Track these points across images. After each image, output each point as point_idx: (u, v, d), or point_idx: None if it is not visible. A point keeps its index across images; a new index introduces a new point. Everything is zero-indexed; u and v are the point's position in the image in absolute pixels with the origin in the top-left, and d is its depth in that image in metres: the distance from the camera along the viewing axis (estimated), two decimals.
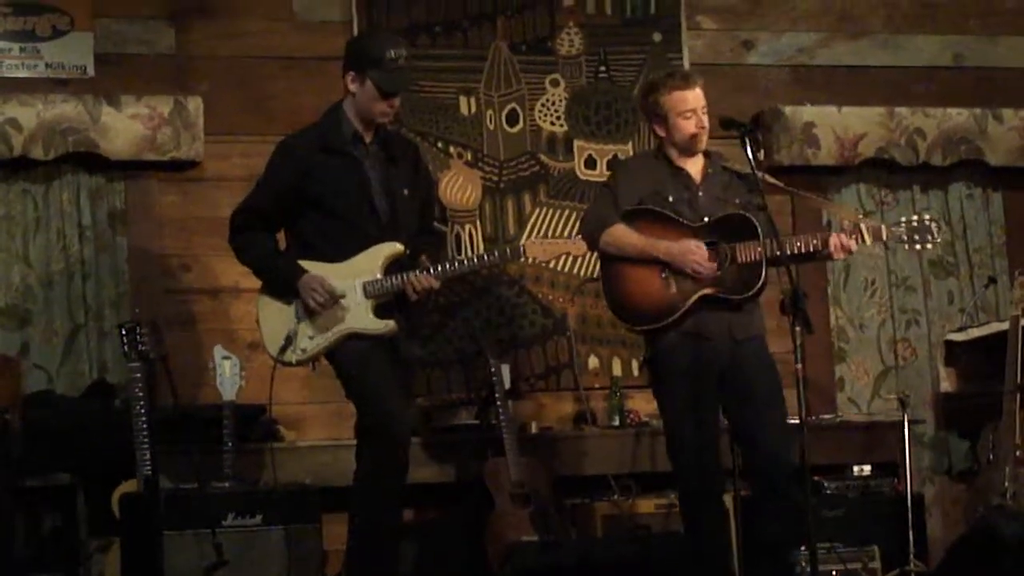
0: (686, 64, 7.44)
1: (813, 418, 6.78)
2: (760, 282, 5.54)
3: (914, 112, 7.61)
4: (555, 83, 7.40)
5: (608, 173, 6.72)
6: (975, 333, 7.30)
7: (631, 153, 7.35)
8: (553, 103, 7.39)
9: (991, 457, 6.66)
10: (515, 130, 7.33)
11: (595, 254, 5.87)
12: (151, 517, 5.66)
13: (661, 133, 5.71)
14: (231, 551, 5.67)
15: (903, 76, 7.77)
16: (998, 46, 7.89)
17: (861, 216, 5.74)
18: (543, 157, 7.34)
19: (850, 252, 5.63)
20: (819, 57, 7.71)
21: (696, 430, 5.53)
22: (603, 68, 7.45)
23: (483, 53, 7.33)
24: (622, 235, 5.61)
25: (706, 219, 5.60)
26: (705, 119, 5.65)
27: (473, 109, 7.29)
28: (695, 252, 5.53)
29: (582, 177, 7.36)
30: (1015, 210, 7.87)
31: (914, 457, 7.01)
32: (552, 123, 7.37)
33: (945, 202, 7.80)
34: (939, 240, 5.70)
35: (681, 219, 5.60)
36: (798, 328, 5.19)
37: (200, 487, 5.87)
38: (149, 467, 5.93)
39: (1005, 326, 6.82)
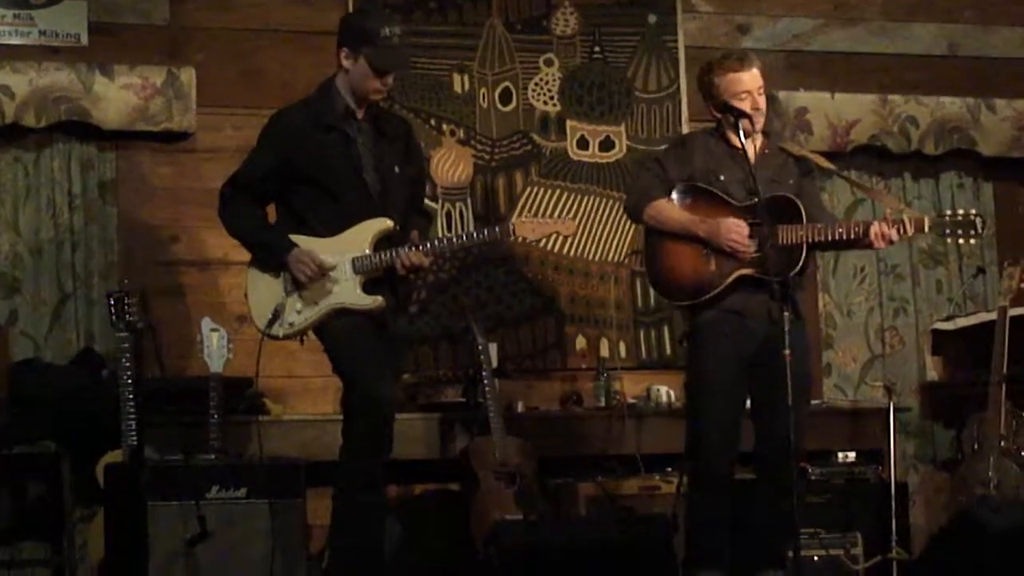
0: (680, 47, 7.44)
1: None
2: (800, 264, 5.52)
3: (907, 100, 7.61)
4: (549, 63, 7.38)
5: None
6: (962, 323, 7.31)
7: (623, 135, 7.34)
8: (547, 82, 7.37)
9: (976, 447, 6.69)
10: (508, 109, 7.32)
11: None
12: (135, 487, 5.64)
13: (717, 114, 5.67)
14: (215, 523, 5.65)
15: (898, 63, 7.77)
16: (993, 35, 7.89)
17: (904, 207, 5.69)
18: (535, 136, 7.33)
19: (891, 242, 5.55)
20: (814, 43, 7.70)
21: (724, 408, 5.53)
22: (597, 49, 7.43)
23: (478, 31, 7.31)
24: (665, 210, 5.60)
25: (755, 199, 5.53)
26: (761, 101, 5.59)
27: (466, 87, 7.28)
28: (733, 230, 5.50)
29: (574, 157, 7.35)
30: (1005, 201, 7.88)
31: (899, 445, 7.04)
32: (545, 102, 7.36)
33: (936, 191, 7.80)
34: (983, 234, 5.64)
35: (728, 198, 5.58)
36: (786, 314, 5.21)
37: (185, 459, 5.85)
38: (135, 437, 5.93)
39: (993, 316, 6.84)
